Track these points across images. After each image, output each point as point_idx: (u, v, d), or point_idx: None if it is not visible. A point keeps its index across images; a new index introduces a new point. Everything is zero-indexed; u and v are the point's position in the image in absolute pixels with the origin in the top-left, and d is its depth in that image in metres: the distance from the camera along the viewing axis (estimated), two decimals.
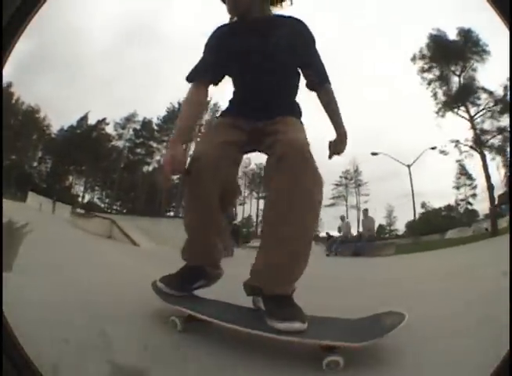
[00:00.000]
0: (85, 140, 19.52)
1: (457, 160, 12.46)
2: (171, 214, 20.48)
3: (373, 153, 11.13)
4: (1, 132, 1.22)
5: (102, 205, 21.05)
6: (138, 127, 21.22)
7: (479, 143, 10.38)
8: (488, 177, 10.00)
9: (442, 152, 10.71)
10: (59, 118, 18.78)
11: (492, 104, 10.20)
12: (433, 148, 10.75)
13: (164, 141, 20.80)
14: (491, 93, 10.33)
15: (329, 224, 14.42)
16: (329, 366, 1.03)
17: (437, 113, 11.34)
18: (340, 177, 18.75)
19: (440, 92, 11.32)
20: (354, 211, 18.09)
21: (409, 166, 10.04)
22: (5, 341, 0.92)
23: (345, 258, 8.05)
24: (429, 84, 11.33)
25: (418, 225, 12.42)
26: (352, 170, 18.48)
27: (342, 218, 12.09)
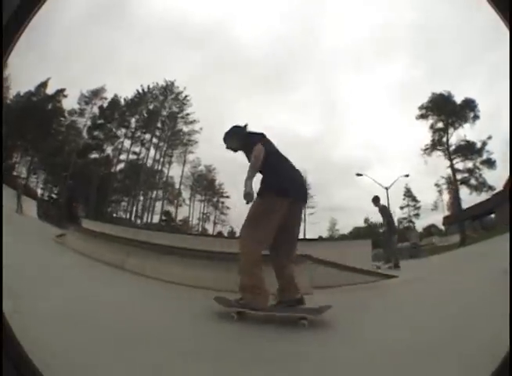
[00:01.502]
0: (37, 111, 16.81)
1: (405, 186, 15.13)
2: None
3: (358, 174, 12.13)
4: (1, 132, 1.22)
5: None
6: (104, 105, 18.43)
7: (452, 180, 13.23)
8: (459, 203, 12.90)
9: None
10: (19, 80, 16.56)
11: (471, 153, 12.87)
12: (406, 175, 12.62)
13: (125, 127, 18.24)
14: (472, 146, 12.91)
15: None
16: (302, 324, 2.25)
17: (424, 150, 13.57)
18: None
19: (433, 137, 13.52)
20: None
21: (387, 188, 11.24)
22: (5, 341, 0.92)
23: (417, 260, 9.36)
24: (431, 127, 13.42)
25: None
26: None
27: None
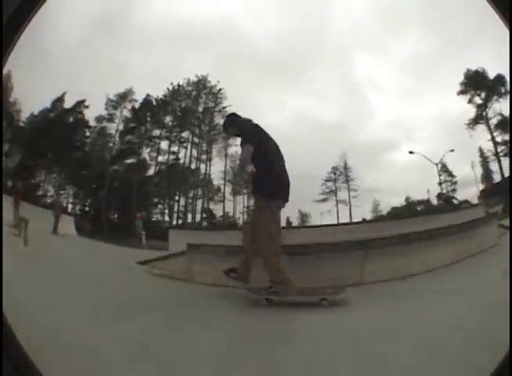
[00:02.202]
0: (56, 127, 16.73)
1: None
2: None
3: (410, 152, 11.97)
4: (1, 132, 1.22)
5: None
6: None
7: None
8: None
9: None
10: (30, 102, 16.24)
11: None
12: (451, 150, 12.31)
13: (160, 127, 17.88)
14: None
15: (316, 218, 15.29)
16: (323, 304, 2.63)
17: (468, 125, 13.36)
18: (329, 172, 17.95)
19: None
20: (341, 205, 17.44)
21: (437, 164, 11.08)
22: (5, 341, 0.91)
23: None
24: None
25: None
26: (342, 165, 17.59)
27: None
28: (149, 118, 17.92)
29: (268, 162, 2.76)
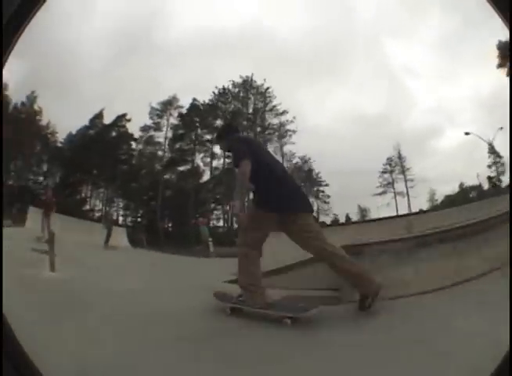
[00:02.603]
0: (98, 143, 16.11)
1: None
2: None
3: (466, 133, 11.61)
4: (1, 132, 1.22)
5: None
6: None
7: None
8: None
9: None
10: (64, 124, 15.81)
11: None
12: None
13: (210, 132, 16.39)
14: None
15: (375, 212, 14.57)
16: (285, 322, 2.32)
17: None
18: (384, 164, 16.96)
19: None
20: (399, 197, 16.74)
21: (490, 144, 10.63)
22: (5, 341, 0.92)
23: None
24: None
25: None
26: (396, 156, 16.81)
27: None
28: (198, 124, 17.05)
29: (267, 174, 2.61)
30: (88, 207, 16.30)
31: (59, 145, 16.03)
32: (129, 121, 17.01)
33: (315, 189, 16.93)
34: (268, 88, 16.87)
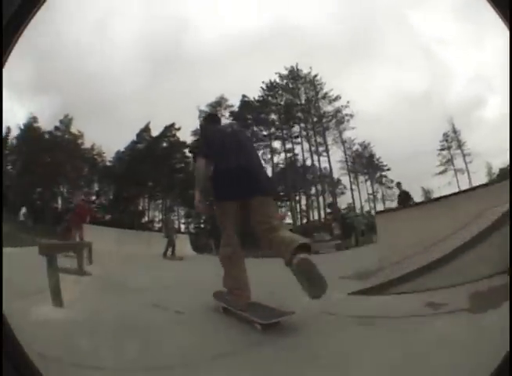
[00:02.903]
0: (150, 156, 16.28)
1: None
2: None
3: None
4: (1, 132, 1.22)
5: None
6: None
7: None
8: None
9: None
10: (109, 144, 15.80)
11: None
12: None
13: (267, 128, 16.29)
14: None
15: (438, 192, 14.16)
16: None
17: None
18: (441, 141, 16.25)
19: None
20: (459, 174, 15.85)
21: None
22: (5, 341, 0.91)
23: None
24: None
25: None
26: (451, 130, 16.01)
27: None
28: (251, 121, 16.69)
29: (220, 160, 2.65)
30: (146, 219, 16.23)
31: (108, 164, 16.22)
32: (179, 129, 16.78)
33: (378, 174, 15.90)
34: (315, 76, 16.28)
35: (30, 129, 14.54)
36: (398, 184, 8.85)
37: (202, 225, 16.54)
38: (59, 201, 15.48)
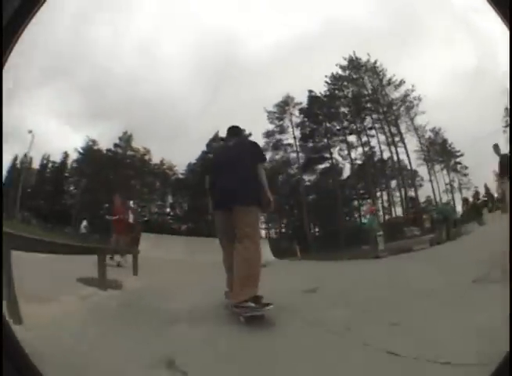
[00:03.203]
0: None
1: None
2: None
3: None
4: (1, 132, 1.22)
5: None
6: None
7: None
8: None
9: None
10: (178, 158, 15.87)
11: None
12: None
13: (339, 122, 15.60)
14: None
15: None
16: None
17: None
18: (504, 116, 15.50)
19: None
20: None
21: None
22: (5, 341, 0.91)
23: None
24: None
25: None
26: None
27: None
28: (322, 117, 15.96)
29: (213, 175, 3.14)
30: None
31: (181, 176, 16.26)
32: (249, 135, 16.94)
33: (452, 162, 14.70)
34: (375, 63, 15.69)
35: (90, 151, 14.72)
36: (496, 147, 6.48)
37: (283, 230, 16.24)
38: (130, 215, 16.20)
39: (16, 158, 14.08)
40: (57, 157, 15.61)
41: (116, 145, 15.58)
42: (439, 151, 14.82)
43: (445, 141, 14.67)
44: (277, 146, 16.15)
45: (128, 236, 6.47)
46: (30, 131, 11.38)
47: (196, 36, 16.64)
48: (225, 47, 18.13)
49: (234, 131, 3.42)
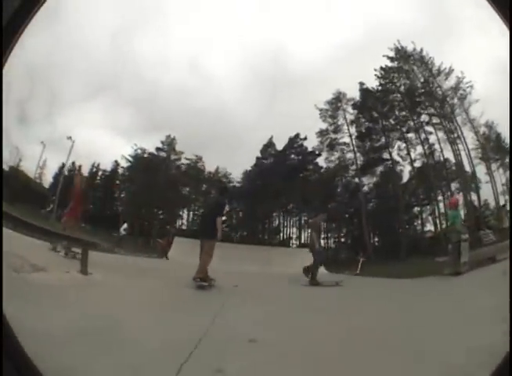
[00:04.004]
0: (281, 168, 15.45)
1: None
2: None
3: None
4: (1, 132, 1.22)
5: None
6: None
7: None
8: None
9: None
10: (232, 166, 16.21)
11: None
12: None
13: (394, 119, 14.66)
14: None
15: None
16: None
17: None
18: None
19: None
20: None
21: None
22: (5, 341, 0.91)
23: None
24: None
25: None
26: None
27: None
28: (377, 113, 14.95)
29: None
30: (282, 235, 15.97)
31: (237, 184, 16.27)
32: (305, 139, 15.94)
33: (507, 159, 13.09)
34: (421, 51, 14.67)
35: (140, 160, 15.32)
36: None
37: (343, 239, 15.47)
38: (181, 222, 16.00)
39: (63, 166, 14.01)
40: (108, 166, 15.88)
41: (158, 149, 15.53)
42: (494, 148, 13.54)
43: (499, 135, 13.27)
44: (332, 145, 15.33)
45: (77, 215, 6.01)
46: (70, 138, 11.74)
47: (244, 45, 16.10)
48: (273, 53, 17.34)
49: (220, 189, 6.97)
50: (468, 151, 13.81)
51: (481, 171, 13.58)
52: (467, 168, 13.70)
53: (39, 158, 12.32)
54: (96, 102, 14.50)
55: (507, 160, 13.00)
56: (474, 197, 13.34)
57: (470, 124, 13.69)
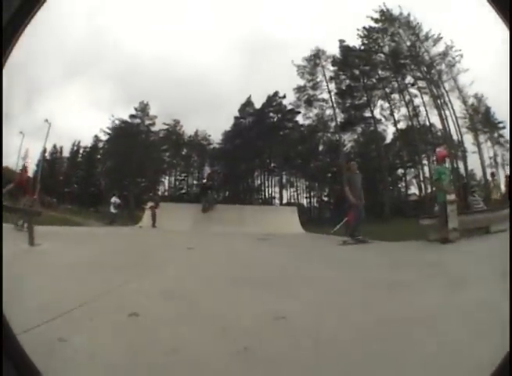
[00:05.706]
0: (259, 127, 15.20)
1: None
2: None
3: None
4: (1, 131, 1.22)
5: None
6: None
7: None
8: None
9: None
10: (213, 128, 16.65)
11: None
12: None
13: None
14: None
15: None
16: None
17: None
18: None
19: None
20: None
21: None
22: (5, 341, 0.91)
23: None
24: None
25: None
26: None
27: None
28: (357, 72, 14.51)
29: None
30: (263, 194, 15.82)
31: (217, 146, 16.27)
32: (284, 97, 15.23)
33: (496, 134, 12.78)
34: (408, 15, 14.18)
35: (116, 130, 15.30)
36: None
37: (325, 198, 15.60)
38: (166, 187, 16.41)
39: (44, 151, 14.40)
40: (89, 143, 15.98)
41: (132, 116, 15.34)
42: (482, 121, 12.94)
43: (488, 109, 12.94)
44: (310, 101, 14.81)
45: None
46: (46, 120, 11.85)
47: (222, 9, 16.17)
48: (251, 15, 17.36)
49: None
50: (456, 119, 13.16)
51: (468, 140, 13.09)
52: (454, 135, 13.17)
53: (19, 149, 12.21)
54: (75, 81, 14.59)
55: (496, 134, 12.83)
56: (460, 164, 12.90)
57: (459, 92, 13.26)
